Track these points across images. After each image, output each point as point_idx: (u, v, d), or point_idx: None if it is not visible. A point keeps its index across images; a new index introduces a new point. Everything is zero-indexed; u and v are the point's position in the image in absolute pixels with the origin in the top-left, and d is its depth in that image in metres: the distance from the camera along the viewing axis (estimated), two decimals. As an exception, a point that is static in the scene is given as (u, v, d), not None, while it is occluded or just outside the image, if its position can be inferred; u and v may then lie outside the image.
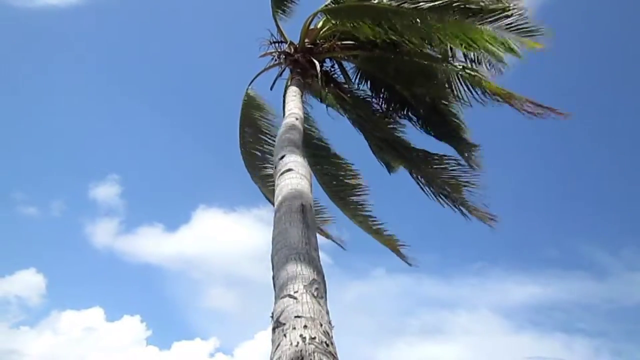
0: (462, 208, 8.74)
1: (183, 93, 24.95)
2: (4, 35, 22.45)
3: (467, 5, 6.87)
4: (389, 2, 7.21)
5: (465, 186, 8.63)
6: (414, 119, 9.17)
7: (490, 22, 6.78)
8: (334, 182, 9.58)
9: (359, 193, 9.56)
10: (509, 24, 6.77)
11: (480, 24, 6.77)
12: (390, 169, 9.88)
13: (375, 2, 7.45)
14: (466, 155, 8.81)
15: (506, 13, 6.84)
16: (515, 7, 6.90)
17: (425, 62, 8.30)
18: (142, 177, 29.26)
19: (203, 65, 23.66)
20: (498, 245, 24.62)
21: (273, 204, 9.43)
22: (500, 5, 6.94)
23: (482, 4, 6.91)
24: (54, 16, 24.34)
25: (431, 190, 9.01)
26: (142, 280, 29.21)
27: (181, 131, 26.20)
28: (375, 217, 9.41)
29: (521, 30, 6.72)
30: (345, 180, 9.66)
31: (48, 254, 28.99)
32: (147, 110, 25.82)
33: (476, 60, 8.00)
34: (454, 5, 6.85)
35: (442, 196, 8.93)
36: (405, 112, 9.20)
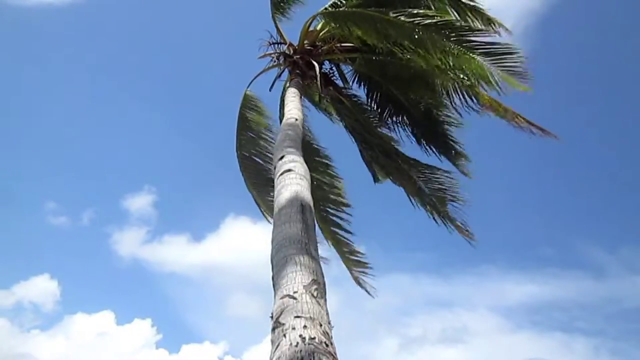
0: (445, 220, 8.73)
1: (209, 100, 24.78)
2: (3, 34, 22.36)
3: (459, 32, 6.96)
4: (386, 12, 7.22)
5: (452, 200, 8.64)
6: (407, 125, 9.17)
7: (481, 54, 6.83)
8: (318, 193, 9.54)
9: (336, 210, 9.61)
10: (498, 60, 6.79)
11: (471, 54, 6.83)
12: (376, 179, 9.91)
13: (372, 10, 7.45)
14: (457, 164, 8.91)
15: (499, 49, 6.90)
16: (508, 45, 6.97)
17: (424, 68, 8.30)
18: (176, 187, 29.23)
19: (208, 68, 23.60)
20: (496, 245, 24.48)
21: (261, 209, 9.55)
22: (493, 40, 7.06)
23: (476, 35, 7.01)
24: (52, 14, 24.20)
25: (418, 200, 8.97)
26: (157, 286, 29.29)
27: (213, 140, 26.09)
28: (349, 241, 9.50)
29: (509, 69, 6.73)
30: (330, 195, 9.66)
31: (68, 261, 29.07)
32: (176, 120, 26.12)
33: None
34: (448, 28, 6.95)
35: (428, 206, 8.89)
36: (399, 118, 9.19)
